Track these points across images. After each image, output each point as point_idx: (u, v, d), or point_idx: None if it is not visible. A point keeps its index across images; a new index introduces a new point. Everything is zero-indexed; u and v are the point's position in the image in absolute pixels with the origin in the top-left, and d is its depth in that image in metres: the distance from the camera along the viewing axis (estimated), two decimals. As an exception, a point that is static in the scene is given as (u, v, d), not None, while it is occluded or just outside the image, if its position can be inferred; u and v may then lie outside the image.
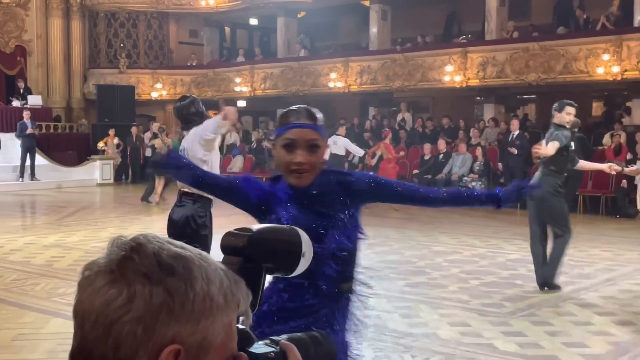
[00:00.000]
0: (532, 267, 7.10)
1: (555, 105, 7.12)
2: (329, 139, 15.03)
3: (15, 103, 20.92)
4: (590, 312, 6.16)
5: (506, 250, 9.30)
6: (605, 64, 15.03)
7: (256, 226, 1.08)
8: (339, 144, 14.74)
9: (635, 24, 15.48)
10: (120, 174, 20.69)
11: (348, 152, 15.30)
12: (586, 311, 6.20)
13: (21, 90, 21.30)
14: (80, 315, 0.82)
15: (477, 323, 5.72)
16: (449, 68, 17.32)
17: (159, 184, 15.05)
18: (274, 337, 0.99)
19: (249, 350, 0.93)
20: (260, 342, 0.97)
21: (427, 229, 11.52)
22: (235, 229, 1.07)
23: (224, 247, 1.04)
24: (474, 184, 14.96)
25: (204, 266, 0.85)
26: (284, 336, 1.01)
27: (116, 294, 0.80)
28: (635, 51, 14.81)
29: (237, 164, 20.01)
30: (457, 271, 7.89)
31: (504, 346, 5.11)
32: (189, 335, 0.81)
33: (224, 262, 0.98)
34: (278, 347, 0.97)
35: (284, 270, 1.08)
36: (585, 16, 16.77)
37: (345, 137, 15.04)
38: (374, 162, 15.00)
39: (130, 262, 0.82)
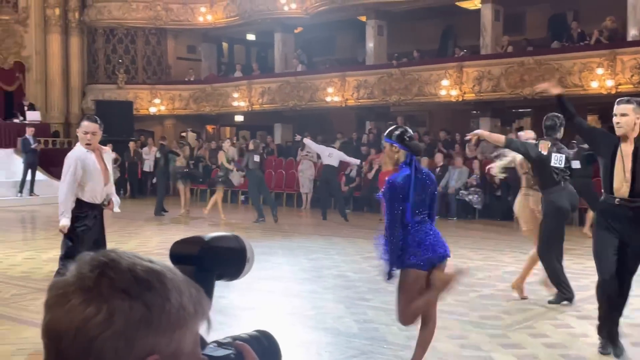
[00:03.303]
0: (530, 279, 7.16)
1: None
2: (325, 151, 15.18)
3: (16, 119, 21.02)
4: (588, 324, 6.20)
5: (503, 263, 9.36)
6: (600, 78, 15.16)
7: (205, 235, 1.11)
8: (334, 156, 14.96)
9: (629, 39, 15.63)
10: (118, 189, 20.73)
11: (342, 164, 15.50)
12: (583, 323, 6.25)
13: (25, 107, 21.41)
14: (55, 333, 0.84)
15: (476, 336, 5.77)
16: (445, 82, 17.45)
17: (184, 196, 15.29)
18: (221, 340, 1.03)
19: (209, 354, 0.97)
20: (210, 345, 1.02)
21: (425, 242, 11.55)
22: (184, 238, 1.10)
23: (175, 256, 1.06)
24: (470, 197, 15.04)
25: (175, 278, 0.88)
26: (228, 338, 1.05)
27: (95, 311, 0.82)
28: (629, 65, 14.94)
29: (235, 178, 20.04)
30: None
31: (502, 358, 5.15)
32: (166, 346, 0.85)
33: None
34: (233, 349, 1.01)
35: (232, 276, 1.12)
36: (579, 30, 16.93)
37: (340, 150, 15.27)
38: (371, 174, 15.10)
39: (106, 278, 0.84)
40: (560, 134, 6.88)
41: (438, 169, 15.96)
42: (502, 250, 10.43)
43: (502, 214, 14.10)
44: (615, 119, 5.07)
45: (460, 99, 17.49)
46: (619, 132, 5.04)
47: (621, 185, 5.04)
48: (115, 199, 6.41)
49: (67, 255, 5.80)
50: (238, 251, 1.11)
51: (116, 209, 6.43)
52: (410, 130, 4.67)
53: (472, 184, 15.20)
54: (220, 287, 1.07)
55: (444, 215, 15.30)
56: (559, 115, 6.53)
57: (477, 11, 18.70)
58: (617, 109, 5.07)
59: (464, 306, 6.80)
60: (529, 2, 19.01)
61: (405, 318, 4.58)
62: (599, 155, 5.25)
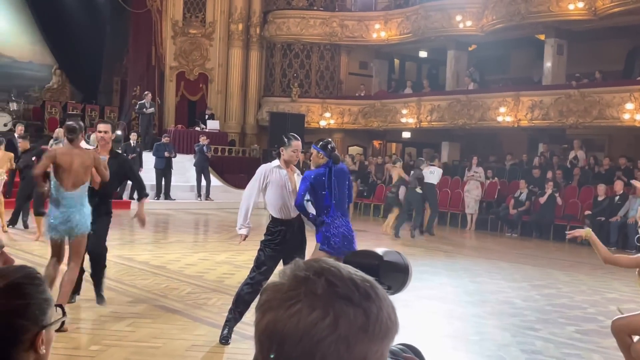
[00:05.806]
0: None
1: None
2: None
3: (197, 127, 22.47)
4: None
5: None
6: None
7: (379, 250, 1.17)
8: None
9: None
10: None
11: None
12: None
13: (206, 116, 22.82)
14: (278, 335, 0.88)
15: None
16: (629, 106, 16.37)
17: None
18: None
19: None
20: None
21: (599, 274, 10.88)
22: (359, 251, 1.16)
23: (355, 265, 1.07)
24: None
25: (382, 289, 0.93)
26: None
27: (322, 315, 0.87)
28: None
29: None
30: (633, 322, 7.38)
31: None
32: (374, 353, 0.89)
33: None
34: None
35: (397, 289, 1.17)
36: None
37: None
38: (544, 199, 14.53)
39: (331, 285, 0.89)
40: None
41: (617, 198, 14.98)
42: (688, 290, 9.55)
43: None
44: None
45: (646, 124, 16.33)
46: None
47: None
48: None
49: (255, 266, 6.03)
50: (403, 266, 1.18)
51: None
52: (333, 143, 6.22)
53: (655, 215, 14.09)
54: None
55: (621, 246, 14.33)
56: None
57: (670, 30, 17.43)
58: None
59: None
60: None
61: None
62: None
